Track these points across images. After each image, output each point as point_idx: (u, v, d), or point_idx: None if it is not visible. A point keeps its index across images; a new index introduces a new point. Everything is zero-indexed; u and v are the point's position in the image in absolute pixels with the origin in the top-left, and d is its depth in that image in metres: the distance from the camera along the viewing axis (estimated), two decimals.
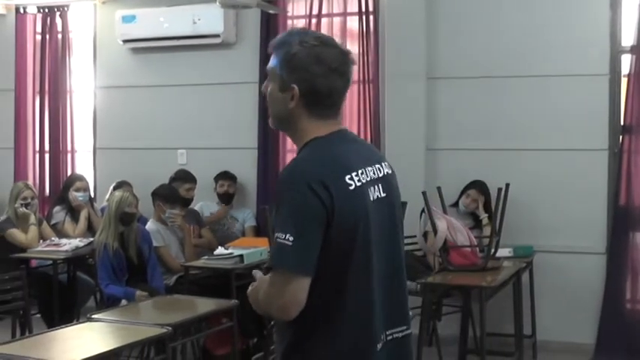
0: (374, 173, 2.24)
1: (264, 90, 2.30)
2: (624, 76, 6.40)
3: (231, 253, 5.80)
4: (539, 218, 6.50)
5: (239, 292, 5.38)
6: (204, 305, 4.98)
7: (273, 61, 2.25)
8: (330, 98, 2.22)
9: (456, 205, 6.46)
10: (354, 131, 6.82)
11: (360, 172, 2.18)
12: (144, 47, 7.52)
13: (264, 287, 2.16)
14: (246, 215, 7.10)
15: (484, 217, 6.34)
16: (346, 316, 2.15)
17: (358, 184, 2.16)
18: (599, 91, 6.41)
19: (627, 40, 6.36)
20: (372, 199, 2.19)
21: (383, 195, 2.24)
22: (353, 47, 6.93)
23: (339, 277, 2.14)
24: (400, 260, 2.35)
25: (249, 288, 2.29)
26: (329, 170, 2.12)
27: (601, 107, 6.42)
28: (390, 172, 2.33)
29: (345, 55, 2.24)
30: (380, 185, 2.24)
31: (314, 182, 2.07)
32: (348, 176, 2.14)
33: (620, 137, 6.36)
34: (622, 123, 6.35)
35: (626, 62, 6.37)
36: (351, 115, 6.95)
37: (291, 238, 2.05)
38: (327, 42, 2.24)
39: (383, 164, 2.31)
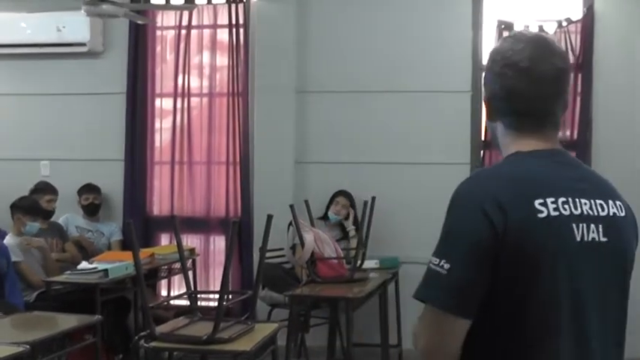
0: (591, 209, 1.73)
1: None
2: None
3: (95, 268, 5.65)
4: (405, 230, 6.64)
5: (104, 307, 5.26)
6: (66, 321, 4.81)
7: None
8: (514, 103, 1.80)
9: (323, 217, 6.54)
10: (222, 144, 6.83)
11: (562, 200, 1.70)
12: (4, 54, 7.23)
13: (416, 322, 1.74)
14: (112, 229, 6.96)
15: (351, 229, 6.44)
16: None
17: (554, 213, 1.68)
18: (461, 107, 6.64)
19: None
20: (578, 239, 1.70)
21: (602, 239, 1.73)
22: (222, 59, 6.93)
23: (512, 330, 1.67)
24: (612, 330, 1.78)
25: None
26: (512, 189, 1.69)
27: (463, 123, 6.64)
28: (622, 214, 1.79)
29: (539, 49, 1.79)
30: (599, 226, 1.73)
31: (488, 201, 1.65)
32: (540, 201, 1.68)
33: (481, 152, 6.59)
34: (482, 138, 6.58)
35: None
36: (219, 128, 6.94)
37: (446, 266, 1.63)
38: (521, 37, 1.83)
39: (611, 202, 1.78)
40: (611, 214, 1.76)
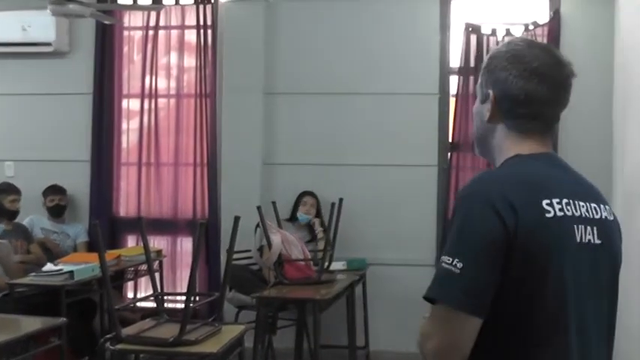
0: (587, 211, 1.79)
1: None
2: (452, 96, 6.68)
3: (60, 270, 5.60)
4: (372, 232, 6.67)
5: (69, 309, 5.22)
6: (31, 324, 4.74)
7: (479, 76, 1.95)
8: (529, 106, 1.83)
9: (291, 219, 6.54)
10: (190, 145, 6.81)
11: (565, 201, 1.75)
12: None
13: (423, 322, 1.75)
14: (78, 230, 6.90)
15: (319, 230, 6.45)
16: None
17: (559, 213, 1.73)
18: (429, 109, 6.67)
19: (455, 61, 6.65)
20: (578, 239, 1.75)
21: (597, 242, 1.78)
22: (190, 60, 6.91)
23: (520, 328, 1.70)
24: (605, 329, 1.84)
25: (420, 322, 1.79)
26: (521, 189, 1.72)
27: (431, 125, 6.67)
28: (611, 218, 1.86)
29: (552, 56, 1.85)
30: (594, 228, 1.78)
31: (499, 200, 1.68)
32: (547, 201, 1.72)
33: (449, 154, 6.63)
34: (450, 140, 6.62)
35: (454, 83, 6.65)
36: (187, 129, 6.91)
37: (459, 265, 1.64)
38: (532, 43, 1.90)
39: (602, 206, 1.84)
40: (603, 217, 1.82)
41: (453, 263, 1.65)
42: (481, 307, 1.65)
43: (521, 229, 1.66)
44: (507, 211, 1.67)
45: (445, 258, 1.67)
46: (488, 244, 1.65)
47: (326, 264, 5.75)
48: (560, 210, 1.73)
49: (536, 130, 1.86)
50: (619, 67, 5.94)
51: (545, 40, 6.44)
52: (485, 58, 1.92)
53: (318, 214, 6.56)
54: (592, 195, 1.85)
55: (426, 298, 1.71)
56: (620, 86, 5.86)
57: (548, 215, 1.71)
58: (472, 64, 6.53)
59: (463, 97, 6.54)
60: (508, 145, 1.85)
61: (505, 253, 1.66)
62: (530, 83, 1.81)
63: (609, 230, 1.83)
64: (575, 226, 1.75)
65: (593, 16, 6.45)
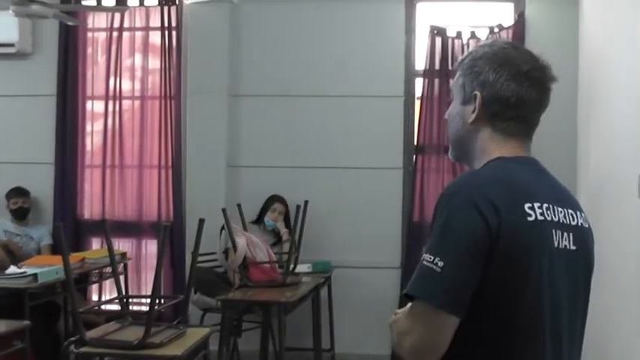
0: (565, 217, 1.80)
1: (447, 116, 1.95)
2: (417, 98, 6.71)
3: (24, 272, 5.54)
4: (338, 234, 6.67)
5: (33, 312, 5.17)
6: None
7: (456, 77, 1.92)
8: (518, 109, 1.84)
9: (257, 221, 6.53)
10: (154, 147, 6.77)
11: (545, 206, 1.76)
12: None
13: (401, 320, 1.76)
14: (41, 233, 6.84)
15: (284, 232, 6.44)
16: None
17: (540, 217, 1.73)
18: (394, 112, 6.70)
19: (420, 64, 6.68)
20: (555, 244, 1.76)
21: (572, 248, 1.79)
22: (155, 62, 6.88)
23: (499, 330, 1.71)
24: (578, 334, 1.86)
25: (392, 318, 1.84)
26: (504, 191, 1.72)
27: (396, 128, 6.70)
28: (587, 225, 1.87)
29: (537, 60, 1.86)
30: (570, 235, 1.79)
31: (481, 200, 1.67)
32: (529, 204, 1.73)
33: (414, 156, 6.66)
34: (415, 143, 6.64)
35: (419, 85, 6.68)
36: (152, 131, 6.87)
37: (440, 263, 1.64)
38: (518, 46, 1.91)
39: (578, 213, 1.86)
40: (579, 224, 1.84)
41: (435, 262, 1.65)
42: (460, 306, 1.65)
43: (504, 230, 1.66)
44: (490, 211, 1.66)
45: (427, 256, 1.67)
46: (470, 244, 1.65)
47: (291, 266, 5.75)
48: (541, 214, 1.73)
49: (521, 133, 1.87)
50: (583, 70, 6.01)
51: None
52: (467, 58, 1.89)
53: (287, 220, 6.53)
54: (569, 202, 1.86)
55: (406, 295, 1.71)
56: (584, 89, 5.93)
57: (529, 219, 1.71)
58: (437, 66, 6.57)
59: (428, 99, 6.58)
60: (492, 148, 1.85)
61: (487, 253, 1.66)
62: (521, 86, 1.82)
63: (585, 237, 1.85)
64: (554, 230, 1.76)
65: (558, 20, 6.52)
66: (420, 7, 6.78)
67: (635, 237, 3.86)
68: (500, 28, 6.54)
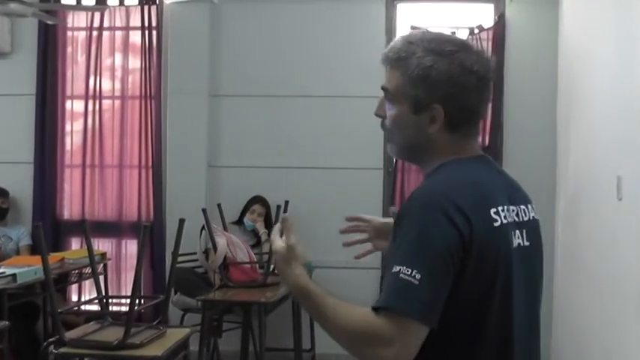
0: (517, 216, 1.81)
1: (380, 114, 1.91)
2: None
3: (3, 273, 5.51)
4: (318, 235, 6.63)
5: (12, 312, 5.14)
6: None
7: (393, 79, 1.85)
8: (479, 114, 1.84)
9: (238, 222, 6.52)
10: (134, 147, 6.76)
11: (505, 208, 1.77)
12: None
13: (361, 322, 1.68)
14: (20, 233, 6.80)
15: (262, 232, 6.43)
16: None
17: (504, 221, 1.75)
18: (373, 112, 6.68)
19: None
20: (514, 245, 1.77)
21: (526, 244, 1.82)
22: (135, 62, 6.86)
23: (468, 334, 1.71)
24: (537, 325, 1.89)
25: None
26: (471, 198, 1.71)
27: (377, 128, 6.58)
28: (536, 217, 1.89)
29: (487, 59, 1.83)
30: (524, 232, 1.81)
31: (451, 208, 1.66)
32: (494, 210, 1.73)
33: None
34: None
35: None
36: (132, 131, 6.85)
37: (418, 276, 1.61)
38: (464, 45, 1.82)
39: (529, 206, 1.88)
40: (531, 218, 1.85)
41: (412, 274, 1.61)
42: (436, 317, 1.64)
43: (475, 238, 1.66)
44: (462, 221, 1.65)
45: (403, 269, 1.62)
46: (446, 256, 1.63)
47: (271, 267, 5.74)
48: (504, 217, 1.74)
49: (476, 131, 1.86)
50: (563, 71, 6.05)
51: (490, 44, 6.54)
52: (412, 65, 1.80)
53: (268, 221, 6.52)
54: (521, 196, 1.87)
55: (380, 308, 1.65)
56: (563, 89, 5.96)
57: (495, 224, 1.72)
58: None
59: None
60: (450, 149, 1.81)
61: (460, 261, 1.65)
62: (484, 93, 1.81)
63: (535, 230, 1.87)
64: (512, 232, 1.77)
65: (538, 21, 6.55)
66: (400, 8, 6.80)
67: (613, 238, 3.89)
68: (481, 29, 6.57)
